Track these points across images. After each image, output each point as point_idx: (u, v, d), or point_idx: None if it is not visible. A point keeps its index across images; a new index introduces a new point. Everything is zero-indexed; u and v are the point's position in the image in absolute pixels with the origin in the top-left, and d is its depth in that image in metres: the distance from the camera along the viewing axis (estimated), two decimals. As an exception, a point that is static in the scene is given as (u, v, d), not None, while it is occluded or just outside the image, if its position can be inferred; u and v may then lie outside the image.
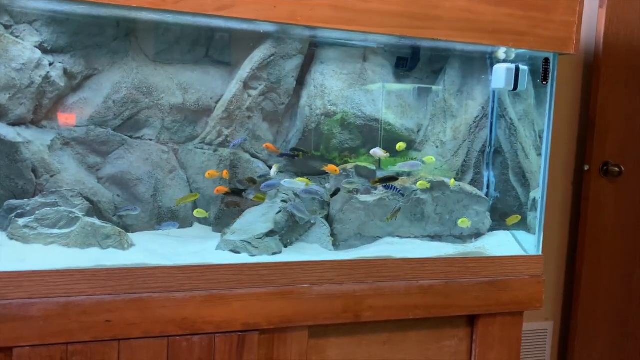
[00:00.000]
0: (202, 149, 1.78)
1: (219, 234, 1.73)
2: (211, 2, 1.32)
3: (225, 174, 1.70)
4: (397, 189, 1.68)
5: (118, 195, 1.70)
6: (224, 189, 1.67)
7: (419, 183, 1.72)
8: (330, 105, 1.79)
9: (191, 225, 1.78)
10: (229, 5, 1.33)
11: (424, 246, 1.72)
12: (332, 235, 1.72)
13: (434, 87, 1.94)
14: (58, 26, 1.58)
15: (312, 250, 1.65)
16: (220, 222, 1.76)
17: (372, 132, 1.84)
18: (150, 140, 1.73)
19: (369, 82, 1.84)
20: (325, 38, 1.79)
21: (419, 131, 1.93)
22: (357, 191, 1.68)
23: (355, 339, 1.60)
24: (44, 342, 1.28)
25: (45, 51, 1.58)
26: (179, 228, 1.72)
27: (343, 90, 1.81)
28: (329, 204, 1.76)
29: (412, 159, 1.86)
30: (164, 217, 1.74)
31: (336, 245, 1.71)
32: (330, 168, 1.67)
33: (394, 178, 1.75)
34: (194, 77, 1.75)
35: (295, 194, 1.69)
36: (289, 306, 1.47)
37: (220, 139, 1.76)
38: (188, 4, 1.31)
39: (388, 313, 1.57)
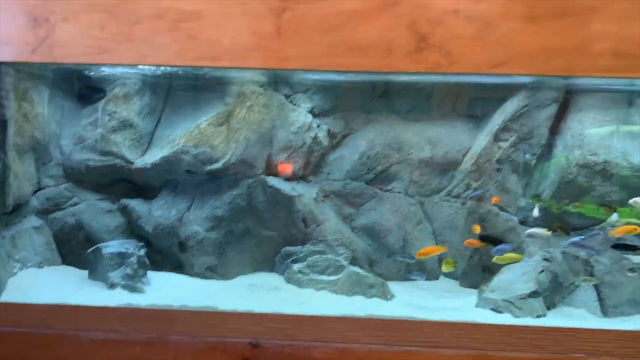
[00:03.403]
0: (448, 201, 1.79)
1: (467, 289, 1.70)
2: (486, 62, 1.33)
3: (477, 228, 1.67)
4: None
5: (369, 245, 1.80)
6: (476, 242, 1.64)
7: None
8: (591, 155, 1.65)
9: (437, 278, 1.79)
10: (503, 62, 1.34)
11: None
12: (599, 299, 1.55)
13: None
14: (325, 92, 1.78)
15: (579, 315, 1.51)
16: (468, 278, 1.73)
17: (641, 184, 1.64)
18: (399, 192, 1.81)
19: (637, 128, 1.66)
20: (583, 85, 1.68)
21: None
22: None
23: None
24: (324, 384, 1.38)
25: (314, 115, 1.79)
26: (425, 280, 1.74)
27: (604, 138, 1.66)
28: (591, 265, 1.60)
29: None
30: (412, 268, 1.78)
31: (604, 311, 1.54)
32: (623, 230, 1.49)
33: None
34: (441, 131, 1.79)
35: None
36: (562, 376, 1.35)
37: (468, 192, 1.76)
38: (462, 65, 1.34)
39: (686, 399, 1.33)
